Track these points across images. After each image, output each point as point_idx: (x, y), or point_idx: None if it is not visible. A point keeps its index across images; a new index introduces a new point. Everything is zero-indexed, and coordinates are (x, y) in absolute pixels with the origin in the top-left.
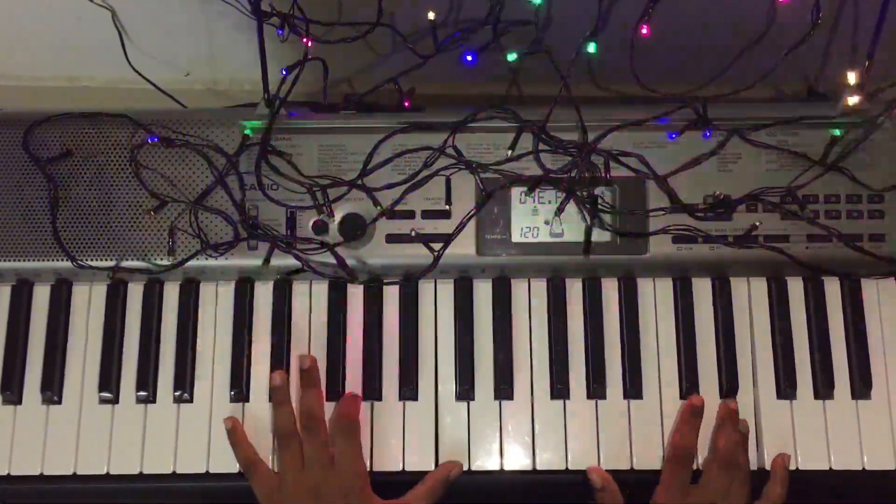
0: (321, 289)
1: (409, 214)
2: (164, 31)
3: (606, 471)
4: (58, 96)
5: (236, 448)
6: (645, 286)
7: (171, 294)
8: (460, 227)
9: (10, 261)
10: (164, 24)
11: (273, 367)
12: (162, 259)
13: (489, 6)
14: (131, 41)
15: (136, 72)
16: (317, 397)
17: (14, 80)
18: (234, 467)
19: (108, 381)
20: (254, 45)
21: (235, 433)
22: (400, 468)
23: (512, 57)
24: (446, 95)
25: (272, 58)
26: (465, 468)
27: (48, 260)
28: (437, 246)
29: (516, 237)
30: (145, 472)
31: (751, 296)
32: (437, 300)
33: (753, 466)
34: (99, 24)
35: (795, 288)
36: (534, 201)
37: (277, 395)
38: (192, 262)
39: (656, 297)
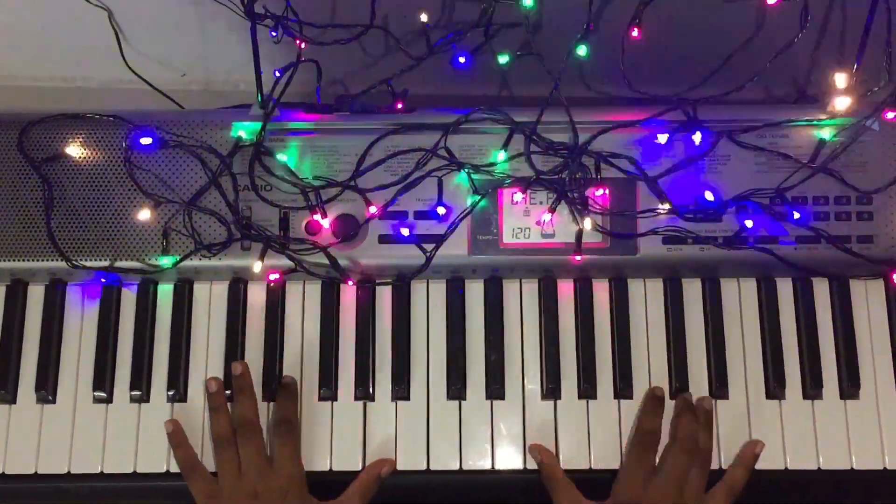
0: (314, 289)
1: (402, 215)
2: (160, 31)
3: (598, 470)
4: (54, 96)
5: (176, 450)
6: (635, 287)
7: (165, 294)
8: (452, 228)
9: (4, 261)
10: (160, 24)
11: (266, 367)
12: (155, 259)
13: (481, 9)
14: (127, 41)
15: (133, 72)
16: (249, 403)
17: (10, 80)
18: None
19: (102, 380)
20: (248, 46)
21: (175, 436)
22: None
23: (504, 60)
24: (439, 96)
25: (266, 59)
26: (457, 467)
27: (43, 260)
28: (429, 246)
29: (508, 238)
30: (139, 471)
31: (740, 296)
32: (429, 300)
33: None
34: (95, 25)
35: (784, 289)
36: (525, 202)
37: (213, 401)
38: (186, 263)
39: (647, 297)
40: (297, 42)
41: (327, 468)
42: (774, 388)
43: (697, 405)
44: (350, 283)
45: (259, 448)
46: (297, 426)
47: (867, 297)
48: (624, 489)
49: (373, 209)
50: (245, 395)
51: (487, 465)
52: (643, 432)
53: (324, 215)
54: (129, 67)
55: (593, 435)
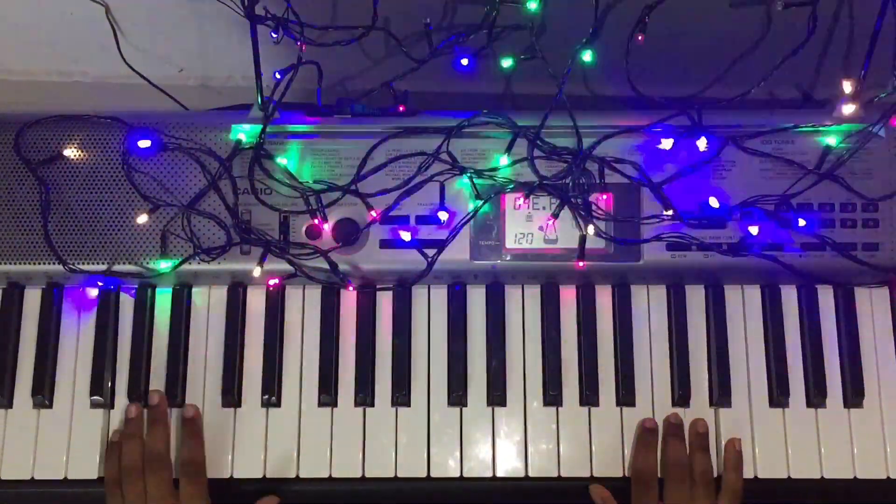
0: (314, 294)
1: (404, 220)
2: (158, 27)
3: (599, 478)
4: (51, 91)
5: (106, 463)
6: (639, 293)
7: (164, 298)
8: (454, 233)
9: (0, 264)
10: (158, 20)
11: (265, 373)
12: (154, 263)
13: (484, 11)
14: (125, 36)
15: (130, 67)
16: (162, 435)
17: (7, 75)
18: (224, 473)
19: (100, 385)
20: (247, 44)
21: (110, 449)
22: (393, 475)
23: (507, 63)
24: (441, 98)
25: (266, 60)
26: (458, 475)
27: (39, 263)
28: (430, 252)
29: (510, 243)
30: None
31: (744, 304)
32: (430, 306)
33: (747, 475)
34: (92, 20)
35: (789, 296)
36: (528, 207)
37: (128, 428)
38: (185, 266)
39: (650, 304)
40: (298, 43)
41: (328, 475)
42: (778, 396)
43: (691, 429)
44: (350, 288)
45: (167, 482)
46: (203, 466)
47: (872, 306)
48: None
49: (374, 213)
50: (158, 427)
51: (488, 473)
52: (638, 472)
53: (324, 219)
54: (127, 63)
55: (595, 443)
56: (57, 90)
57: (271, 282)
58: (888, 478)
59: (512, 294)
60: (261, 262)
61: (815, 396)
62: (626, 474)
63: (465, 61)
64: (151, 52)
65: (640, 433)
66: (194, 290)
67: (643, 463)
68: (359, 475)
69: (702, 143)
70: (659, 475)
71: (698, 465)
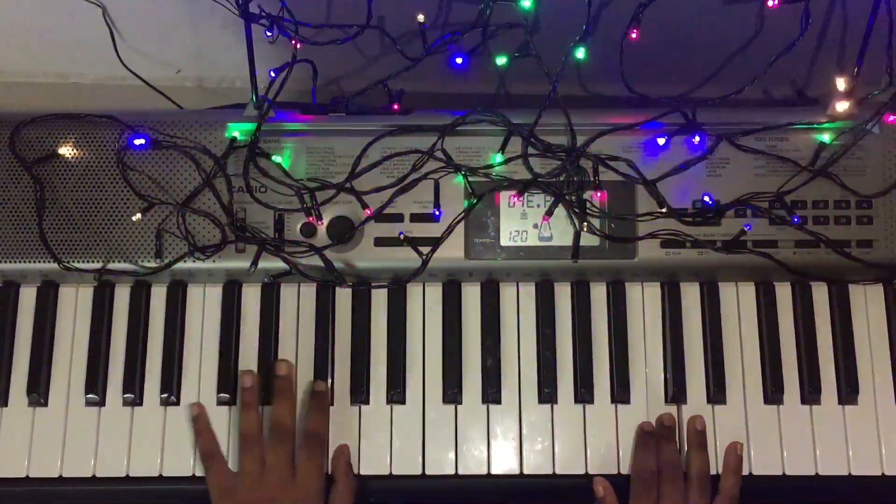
0: (309, 292)
1: (398, 218)
2: (155, 28)
3: (597, 475)
4: (48, 93)
5: (199, 437)
6: (633, 290)
7: (159, 296)
8: (449, 231)
9: None
10: (155, 21)
11: (260, 371)
12: (149, 261)
13: (478, 9)
14: (122, 38)
15: (127, 68)
16: (289, 407)
17: (3, 76)
18: None
19: (95, 383)
20: (243, 44)
21: (199, 421)
22: (387, 472)
23: (501, 61)
24: (435, 96)
25: (261, 58)
26: (452, 472)
27: (34, 262)
28: (425, 249)
29: (505, 241)
30: (131, 474)
31: (739, 301)
32: (425, 304)
33: (742, 472)
34: (89, 21)
35: (783, 293)
36: (522, 205)
37: (246, 397)
38: (180, 265)
39: (644, 301)
40: (293, 42)
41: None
42: (773, 393)
43: (689, 426)
44: (345, 285)
45: (288, 455)
46: (326, 440)
47: (866, 302)
48: None
49: (368, 211)
50: (285, 398)
51: (483, 471)
52: (637, 472)
53: (319, 217)
54: (124, 64)
55: (590, 440)
56: (54, 91)
57: (266, 279)
58: (883, 474)
59: (507, 291)
60: (256, 261)
61: (810, 393)
62: (621, 472)
63: (459, 60)
64: (149, 53)
65: (639, 434)
66: (189, 288)
67: (642, 463)
68: (354, 472)
69: (696, 141)
70: None
71: (695, 463)
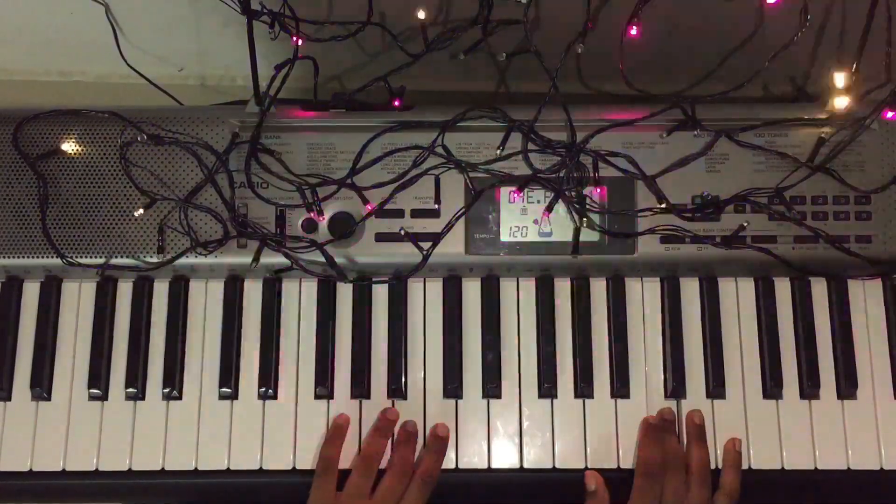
0: (310, 287)
1: (399, 213)
2: (157, 26)
3: (594, 469)
4: (51, 91)
5: (329, 443)
6: (633, 286)
7: (161, 292)
8: (449, 227)
9: None
10: (157, 19)
11: (262, 366)
12: (151, 256)
13: (479, 6)
14: (124, 36)
15: (130, 66)
16: (412, 448)
17: (6, 75)
18: (221, 464)
19: (98, 378)
20: (245, 42)
21: (339, 429)
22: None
23: (501, 57)
24: (436, 93)
25: (263, 55)
26: (453, 466)
27: (37, 257)
28: (426, 245)
29: (505, 236)
30: (134, 468)
31: (738, 296)
32: (425, 299)
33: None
34: (92, 19)
35: (782, 288)
36: (523, 201)
37: (383, 424)
38: (182, 260)
39: (644, 296)
40: (294, 39)
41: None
42: (772, 387)
43: (688, 420)
44: (346, 281)
45: (402, 488)
46: (435, 482)
47: (865, 298)
48: None
49: (369, 207)
50: (411, 442)
51: (484, 465)
52: (644, 465)
53: (320, 213)
54: (126, 62)
55: (590, 434)
56: (57, 90)
57: (268, 275)
58: (882, 469)
59: (507, 287)
60: (257, 256)
61: (809, 388)
62: (621, 466)
63: (460, 56)
64: (151, 51)
65: (644, 427)
66: (192, 283)
67: (650, 456)
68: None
69: (695, 136)
70: None
71: (695, 456)
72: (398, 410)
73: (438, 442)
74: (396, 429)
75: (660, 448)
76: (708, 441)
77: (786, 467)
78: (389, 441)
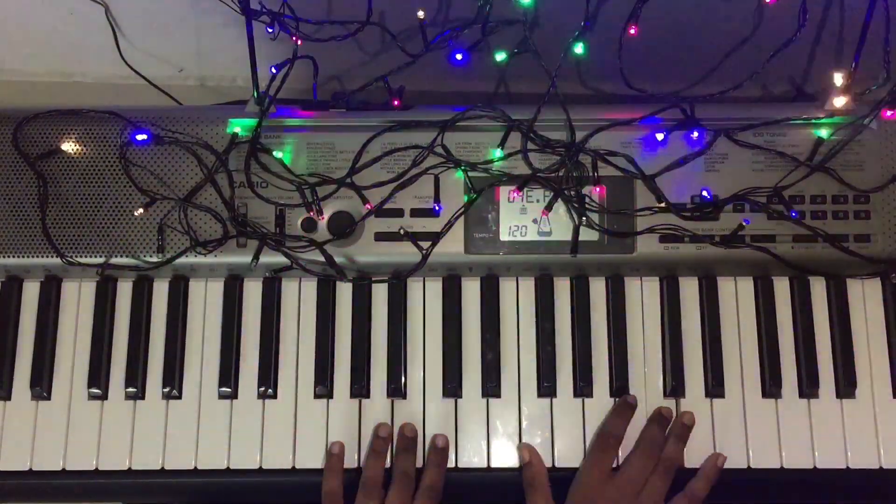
0: (310, 286)
1: (398, 213)
2: (157, 27)
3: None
4: (51, 91)
5: (327, 477)
6: (632, 285)
7: (161, 291)
8: (449, 226)
9: None
10: (157, 19)
11: (261, 365)
12: (151, 256)
13: (478, 6)
14: (124, 37)
15: (130, 67)
16: (412, 459)
17: (6, 75)
18: (221, 463)
19: (98, 377)
20: (244, 42)
21: (334, 460)
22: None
23: (500, 57)
24: (435, 93)
25: (262, 55)
26: (453, 465)
27: (37, 256)
28: (425, 244)
29: (504, 236)
30: (134, 468)
31: (737, 295)
32: (425, 298)
33: (740, 465)
34: (92, 20)
35: (781, 287)
36: (522, 200)
37: (378, 445)
38: (182, 260)
39: (643, 295)
40: (294, 39)
41: (320, 466)
42: (771, 386)
43: (677, 418)
44: (346, 280)
45: (409, 500)
46: (441, 494)
47: (864, 297)
48: (579, 490)
49: (369, 206)
50: (411, 453)
51: (483, 464)
52: (604, 434)
53: (320, 212)
54: (126, 63)
55: (589, 433)
56: (57, 90)
57: (267, 274)
58: (881, 467)
59: (506, 286)
60: (257, 255)
61: (808, 387)
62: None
63: (459, 56)
64: (151, 52)
65: (618, 403)
66: (191, 282)
67: (612, 427)
68: (354, 466)
69: (694, 136)
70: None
71: (668, 450)
72: (389, 426)
73: (439, 454)
74: (395, 430)
75: (624, 424)
76: (707, 439)
77: (785, 466)
78: (389, 442)
